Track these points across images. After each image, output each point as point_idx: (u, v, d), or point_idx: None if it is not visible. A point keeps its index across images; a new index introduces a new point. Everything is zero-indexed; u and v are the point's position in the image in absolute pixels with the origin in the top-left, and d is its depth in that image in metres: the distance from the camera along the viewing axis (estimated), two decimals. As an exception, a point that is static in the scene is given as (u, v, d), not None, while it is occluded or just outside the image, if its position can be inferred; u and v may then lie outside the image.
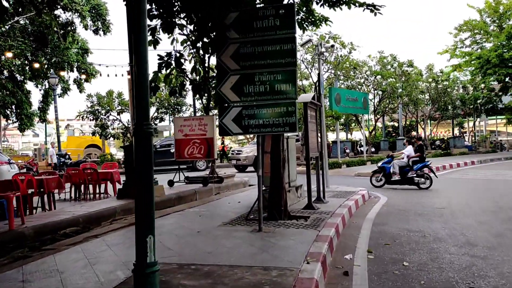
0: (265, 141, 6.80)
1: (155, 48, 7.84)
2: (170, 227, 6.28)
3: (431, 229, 6.45)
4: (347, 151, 30.97)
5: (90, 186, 9.89)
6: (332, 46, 10.77)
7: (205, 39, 7.04)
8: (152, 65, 25.23)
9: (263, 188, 7.09)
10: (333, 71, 18.32)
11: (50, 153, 22.00)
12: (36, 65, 19.37)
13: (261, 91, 5.69)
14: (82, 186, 9.87)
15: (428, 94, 25.64)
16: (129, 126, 21.52)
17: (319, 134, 8.80)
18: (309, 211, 7.24)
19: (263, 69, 5.61)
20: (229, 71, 5.75)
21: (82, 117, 21.67)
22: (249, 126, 5.73)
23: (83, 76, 22.01)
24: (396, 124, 36.83)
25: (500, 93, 31.15)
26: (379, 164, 12.73)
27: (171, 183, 11.01)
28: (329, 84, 19.84)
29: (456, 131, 32.54)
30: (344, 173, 16.93)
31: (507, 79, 29.63)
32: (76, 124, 57.41)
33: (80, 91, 22.89)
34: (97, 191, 9.87)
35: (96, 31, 21.76)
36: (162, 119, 24.69)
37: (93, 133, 21.24)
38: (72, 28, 19.37)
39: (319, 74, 9.83)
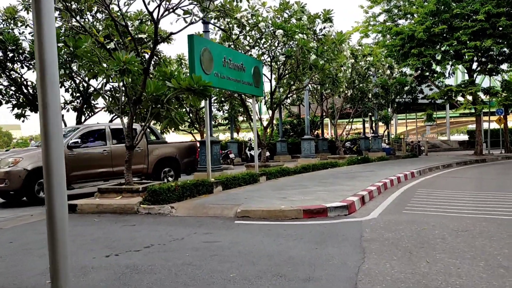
0: None
1: None
2: None
3: None
4: (232, 156, 21.90)
5: None
6: None
7: None
8: None
9: None
10: (198, 5, 8.67)
11: None
12: None
13: None
14: None
15: (343, 74, 17.71)
16: None
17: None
18: None
19: None
20: None
21: None
22: None
23: None
24: (295, 121, 28.82)
25: (417, 83, 25.02)
26: None
27: None
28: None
29: (368, 130, 25.60)
30: (213, 212, 7.44)
31: (425, 66, 23.41)
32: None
33: None
34: None
35: None
36: None
37: None
38: None
39: None
